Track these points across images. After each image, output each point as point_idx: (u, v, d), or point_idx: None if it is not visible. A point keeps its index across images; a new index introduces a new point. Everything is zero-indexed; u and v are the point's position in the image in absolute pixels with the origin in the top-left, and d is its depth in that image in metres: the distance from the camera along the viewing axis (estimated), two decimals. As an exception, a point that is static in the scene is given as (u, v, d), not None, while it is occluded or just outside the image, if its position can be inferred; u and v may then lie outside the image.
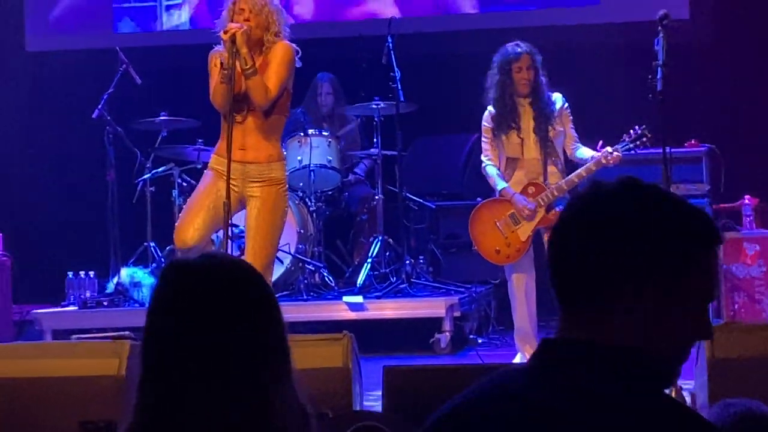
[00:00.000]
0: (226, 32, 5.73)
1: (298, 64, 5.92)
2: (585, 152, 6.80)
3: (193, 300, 1.87)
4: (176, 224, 6.01)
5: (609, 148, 6.67)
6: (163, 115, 8.40)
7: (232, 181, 5.79)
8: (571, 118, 6.88)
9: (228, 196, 5.72)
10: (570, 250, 1.71)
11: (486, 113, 6.88)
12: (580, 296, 1.71)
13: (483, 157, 6.92)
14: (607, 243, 1.67)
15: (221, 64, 5.76)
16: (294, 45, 5.90)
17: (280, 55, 5.84)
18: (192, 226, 5.79)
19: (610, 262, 1.67)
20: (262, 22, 5.83)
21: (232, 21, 5.80)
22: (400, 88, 7.97)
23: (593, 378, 1.66)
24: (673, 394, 4.85)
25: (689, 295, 1.70)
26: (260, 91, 5.77)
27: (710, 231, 1.72)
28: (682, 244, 1.69)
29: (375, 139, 8.38)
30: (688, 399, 4.88)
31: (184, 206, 6.20)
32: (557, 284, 1.74)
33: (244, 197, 5.95)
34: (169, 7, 9.72)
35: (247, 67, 5.73)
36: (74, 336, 6.20)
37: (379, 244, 8.22)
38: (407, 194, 8.52)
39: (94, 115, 8.39)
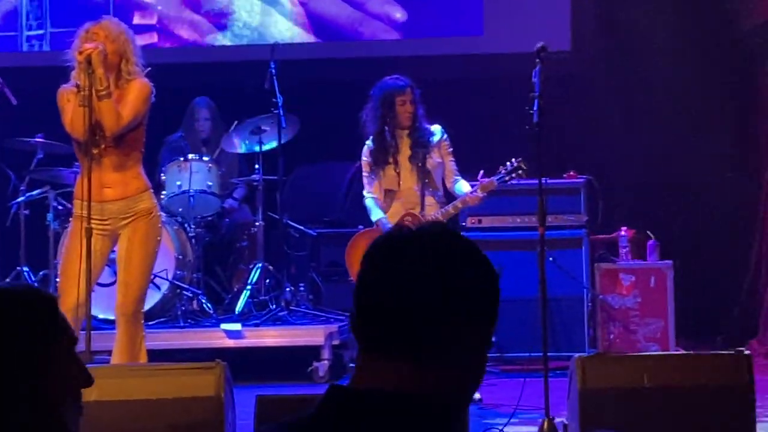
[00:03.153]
0: (81, 53, 5.67)
1: (153, 101, 5.90)
2: (464, 186, 6.84)
3: None
4: (58, 290, 5.89)
5: (485, 181, 6.72)
6: (39, 137, 8.21)
7: (102, 224, 5.75)
8: (451, 150, 6.91)
9: (89, 226, 5.63)
10: (373, 301, 1.71)
11: (365, 148, 6.94)
12: (384, 344, 1.69)
13: (364, 192, 6.97)
14: (403, 291, 1.67)
15: (77, 86, 5.69)
16: (150, 83, 5.87)
17: (137, 90, 5.82)
18: (73, 295, 5.58)
19: (408, 309, 1.67)
20: (118, 48, 5.80)
21: None
22: (282, 114, 7.93)
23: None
24: (545, 426, 4.87)
25: None
26: (112, 115, 5.70)
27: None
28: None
29: (256, 165, 8.31)
30: (560, 430, 4.90)
31: (60, 256, 6.01)
32: (365, 331, 1.73)
33: (117, 234, 5.88)
34: (30, 38, 9.54)
35: (102, 88, 5.68)
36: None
37: (258, 270, 8.14)
38: (288, 221, 8.47)
39: (-35, 136, 8.20)
